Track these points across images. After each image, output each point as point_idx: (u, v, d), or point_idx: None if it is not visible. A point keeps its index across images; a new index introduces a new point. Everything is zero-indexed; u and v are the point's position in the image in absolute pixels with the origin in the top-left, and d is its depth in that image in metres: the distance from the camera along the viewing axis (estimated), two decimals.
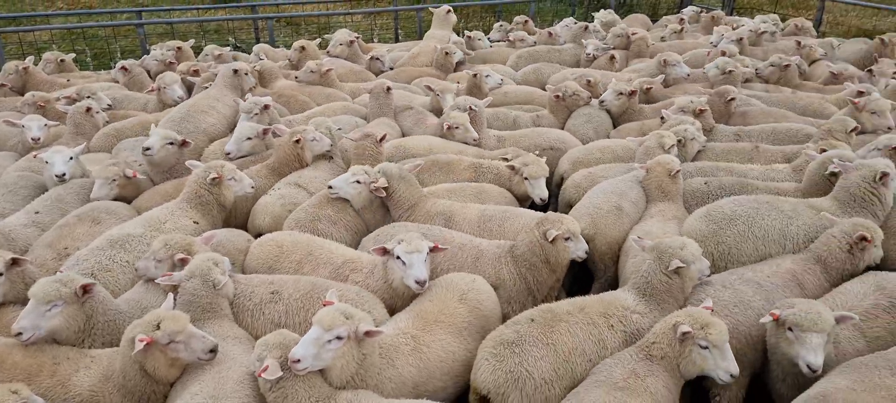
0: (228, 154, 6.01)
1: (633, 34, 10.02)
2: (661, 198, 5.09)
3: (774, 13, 12.58)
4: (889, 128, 6.28)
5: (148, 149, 5.62)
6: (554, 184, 6.10)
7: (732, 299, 3.89)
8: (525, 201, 5.63)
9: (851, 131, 5.84)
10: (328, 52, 9.91)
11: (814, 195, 4.96)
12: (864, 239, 4.11)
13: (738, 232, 4.46)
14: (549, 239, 4.14)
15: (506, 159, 5.84)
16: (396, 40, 12.81)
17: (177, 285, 3.79)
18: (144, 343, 3.18)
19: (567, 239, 4.19)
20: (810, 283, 4.13)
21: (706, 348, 3.36)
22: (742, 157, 6.02)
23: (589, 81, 7.89)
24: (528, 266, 4.26)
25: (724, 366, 3.37)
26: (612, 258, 4.80)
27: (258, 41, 11.81)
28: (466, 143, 6.46)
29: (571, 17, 12.07)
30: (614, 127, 7.29)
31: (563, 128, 7.13)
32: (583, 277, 5.09)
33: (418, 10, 12.88)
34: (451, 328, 3.75)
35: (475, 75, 7.76)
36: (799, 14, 14.16)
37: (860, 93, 6.78)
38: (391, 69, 9.55)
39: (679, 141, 5.85)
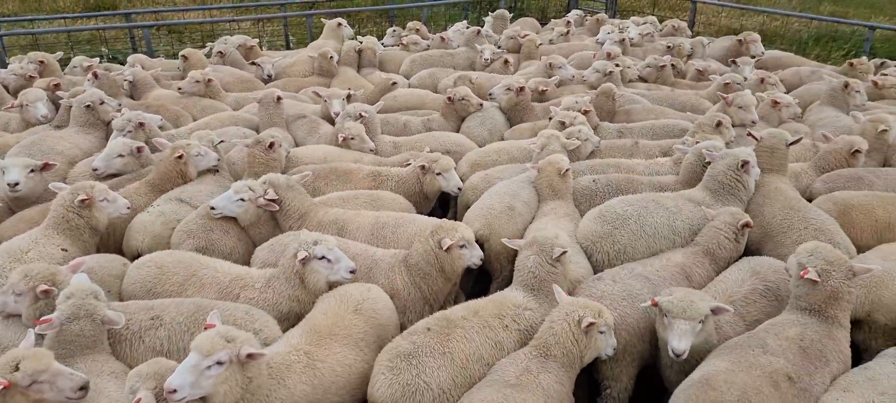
0: (96, 170, 5.55)
1: (523, 37, 10.28)
2: (553, 197, 5.21)
3: (653, 15, 13.35)
4: (753, 122, 6.78)
5: (15, 184, 5.08)
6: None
7: (621, 292, 4.05)
8: (425, 205, 5.61)
9: (717, 126, 6.24)
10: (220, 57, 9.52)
11: (691, 185, 5.26)
12: (747, 225, 4.42)
13: (632, 232, 4.65)
14: (444, 248, 4.11)
15: (408, 163, 5.77)
16: (287, 47, 12.46)
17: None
18: (2, 386, 2.86)
19: (462, 246, 4.17)
20: (698, 275, 4.37)
21: (603, 332, 3.54)
22: (623, 154, 6.30)
23: (471, 81, 8.03)
24: (422, 275, 4.21)
25: (611, 342, 3.64)
26: (508, 258, 4.83)
27: (135, 51, 11.09)
28: (363, 152, 6.35)
29: (464, 22, 12.20)
30: (509, 128, 7.41)
31: (457, 132, 7.17)
32: (482, 276, 5.12)
33: (308, 15, 12.59)
34: (346, 340, 3.63)
35: (394, 83, 7.79)
36: (676, 16, 15.12)
37: (728, 87, 7.32)
38: (270, 77, 9.31)
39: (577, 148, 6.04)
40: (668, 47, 10.03)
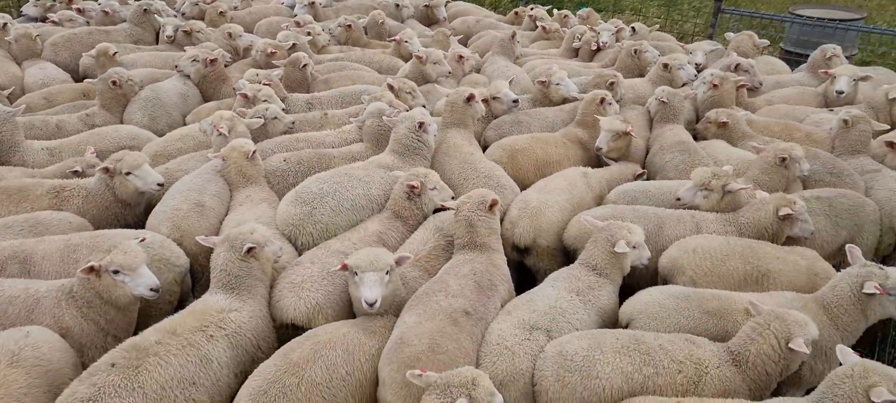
0: None
1: (209, 2, 9.57)
2: (246, 184, 5.02)
3: None
4: (449, 73, 7.49)
5: None
6: None
7: (320, 273, 4.06)
8: (129, 214, 5.00)
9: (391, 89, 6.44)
10: None
11: (380, 148, 5.51)
12: (413, 187, 4.67)
13: (331, 209, 4.69)
14: (98, 276, 3.63)
15: (78, 172, 5.09)
16: None
17: None
18: None
19: (115, 271, 3.63)
20: (392, 238, 4.61)
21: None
22: (314, 126, 6.27)
23: (114, 53, 7.33)
24: (88, 305, 3.69)
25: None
26: (207, 257, 4.65)
27: None
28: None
29: None
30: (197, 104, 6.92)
31: (122, 123, 6.44)
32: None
33: None
34: (5, 402, 3.08)
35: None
36: None
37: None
38: None
39: (261, 119, 5.83)
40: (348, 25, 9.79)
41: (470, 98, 5.75)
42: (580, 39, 8.84)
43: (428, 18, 10.56)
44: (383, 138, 5.55)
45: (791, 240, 4.55)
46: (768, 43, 8.74)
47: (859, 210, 4.85)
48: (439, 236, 4.53)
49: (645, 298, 3.88)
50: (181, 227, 4.54)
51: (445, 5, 11.12)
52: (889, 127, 6.12)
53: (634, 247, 4.07)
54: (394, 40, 8.72)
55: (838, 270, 3.96)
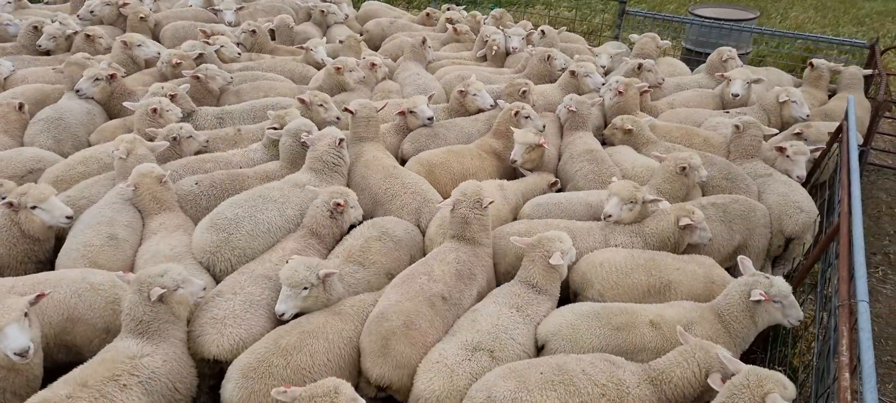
0: None
1: (122, 5, 9.08)
2: (159, 210, 4.85)
3: None
4: (362, 80, 7.45)
5: None
6: None
7: (243, 303, 4.02)
8: (40, 250, 4.68)
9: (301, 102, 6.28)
10: None
11: (296, 166, 5.47)
12: (339, 205, 4.74)
13: (248, 233, 4.63)
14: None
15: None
16: None
17: None
18: None
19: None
20: (310, 256, 4.54)
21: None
22: (228, 143, 6.09)
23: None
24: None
25: None
26: None
27: None
28: None
29: None
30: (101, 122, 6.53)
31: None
32: None
33: None
34: None
35: None
36: None
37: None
38: None
39: (174, 138, 5.65)
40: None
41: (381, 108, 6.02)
42: (492, 45, 8.96)
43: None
44: (300, 157, 5.50)
45: (691, 248, 4.86)
46: (670, 44, 9.18)
47: (750, 214, 5.23)
48: (373, 229, 4.78)
49: (558, 320, 4.03)
50: (97, 263, 4.34)
51: (357, 5, 11.06)
52: (777, 130, 6.61)
53: (567, 253, 4.30)
54: (302, 47, 8.62)
55: (734, 275, 4.28)
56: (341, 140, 5.40)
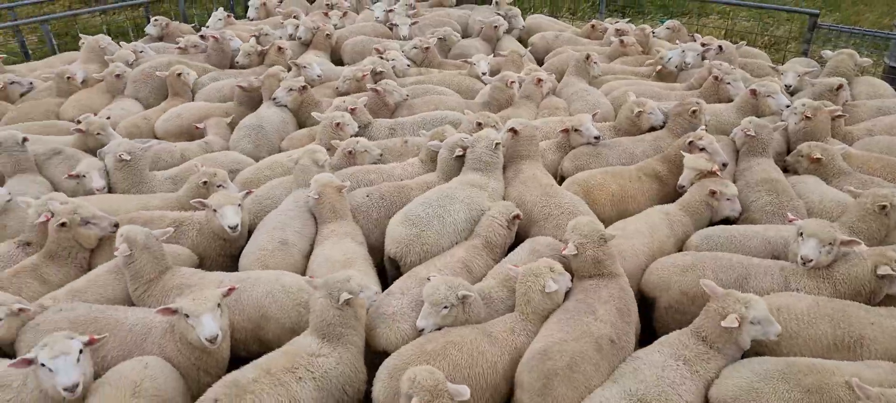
0: None
1: (320, 28, 9.92)
2: (333, 218, 5.21)
3: None
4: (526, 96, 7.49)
5: None
6: None
7: (410, 304, 4.30)
8: (235, 247, 5.25)
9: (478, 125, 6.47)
10: None
11: (450, 177, 5.70)
12: (517, 216, 4.97)
13: (437, 231, 4.96)
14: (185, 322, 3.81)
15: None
16: (27, 58, 10.87)
17: None
18: None
19: (187, 315, 3.80)
20: (477, 266, 4.81)
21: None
22: (394, 155, 6.46)
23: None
24: (182, 339, 3.91)
25: None
26: None
27: None
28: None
29: (220, 10, 11.49)
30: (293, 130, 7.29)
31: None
32: None
33: (42, 21, 10.99)
34: None
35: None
36: None
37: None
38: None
39: (350, 152, 6.12)
40: (441, 40, 10.04)
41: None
42: (663, 61, 8.61)
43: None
44: (454, 169, 5.77)
45: (889, 299, 4.32)
46: (870, 62, 8.22)
47: None
48: (534, 256, 4.69)
49: (736, 381, 3.63)
50: (268, 265, 4.79)
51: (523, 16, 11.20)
52: None
53: (756, 323, 3.76)
54: (466, 62, 8.87)
55: None
56: (498, 143, 5.62)
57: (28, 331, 4.11)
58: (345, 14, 11.58)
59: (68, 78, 8.30)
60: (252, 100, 7.78)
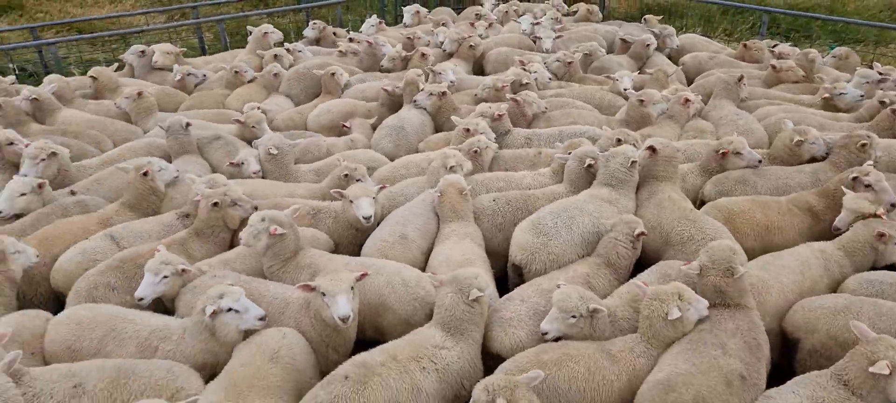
0: (1, 212, 5.56)
1: (465, 38, 10.22)
2: (454, 219, 5.32)
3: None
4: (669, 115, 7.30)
5: None
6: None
7: (528, 312, 4.32)
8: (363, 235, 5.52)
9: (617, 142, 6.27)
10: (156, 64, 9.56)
11: (579, 190, 5.62)
12: (642, 233, 4.79)
13: (564, 241, 4.96)
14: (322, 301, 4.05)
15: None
16: (202, 53, 12.19)
17: None
18: None
19: (324, 293, 4.04)
20: (600, 284, 4.70)
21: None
22: (526, 163, 6.48)
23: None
24: (316, 316, 4.17)
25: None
26: None
27: (45, 66, 10.54)
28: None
29: (374, 16, 12.19)
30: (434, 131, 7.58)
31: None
32: None
33: (219, 20, 12.28)
34: (265, 392, 3.72)
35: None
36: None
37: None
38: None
39: (475, 151, 6.23)
40: (587, 55, 9.88)
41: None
42: (831, 90, 7.91)
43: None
44: (582, 181, 5.70)
45: None
46: None
47: None
48: (665, 281, 4.50)
49: None
50: (388, 256, 5.01)
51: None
52: None
53: None
54: (608, 77, 8.68)
55: None
56: (634, 161, 5.47)
57: (187, 292, 4.60)
58: (490, 25, 11.79)
59: (236, 72, 9.17)
60: (393, 102, 8.16)
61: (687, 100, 7.50)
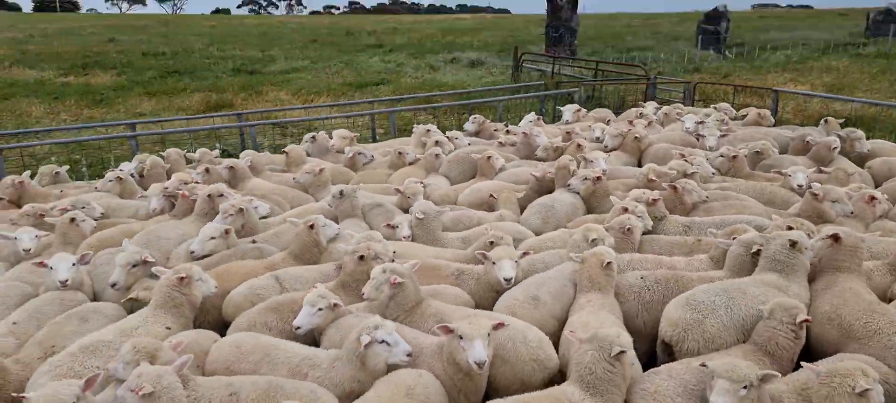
0: (193, 252, 6.36)
1: (626, 132, 10.42)
2: (592, 289, 5.14)
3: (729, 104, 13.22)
4: (851, 214, 6.75)
5: (114, 285, 5.74)
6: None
7: (676, 388, 4.07)
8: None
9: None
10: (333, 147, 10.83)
11: (736, 278, 5.24)
12: (806, 320, 4.36)
13: (721, 321, 4.66)
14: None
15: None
16: (373, 139, 13.46)
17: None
18: None
19: (461, 336, 4.09)
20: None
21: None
22: (683, 251, 6.20)
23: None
24: (450, 359, 4.23)
25: None
26: None
27: (244, 145, 12.33)
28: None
29: (532, 113, 12.75)
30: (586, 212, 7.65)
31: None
32: None
33: (391, 112, 13.72)
34: None
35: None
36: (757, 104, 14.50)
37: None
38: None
39: (627, 229, 6.12)
40: (757, 153, 9.46)
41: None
42: None
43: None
44: (745, 267, 5.35)
45: None
46: None
47: None
48: None
49: None
50: (516, 315, 4.98)
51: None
52: None
53: None
54: (779, 173, 8.19)
55: None
56: (796, 243, 5.08)
57: (331, 327, 4.93)
58: (650, 124, 11.68)
59: (400, 154, 10.03)
60: (542, 188, 8.31)
61: (873, 198, 6.81)
